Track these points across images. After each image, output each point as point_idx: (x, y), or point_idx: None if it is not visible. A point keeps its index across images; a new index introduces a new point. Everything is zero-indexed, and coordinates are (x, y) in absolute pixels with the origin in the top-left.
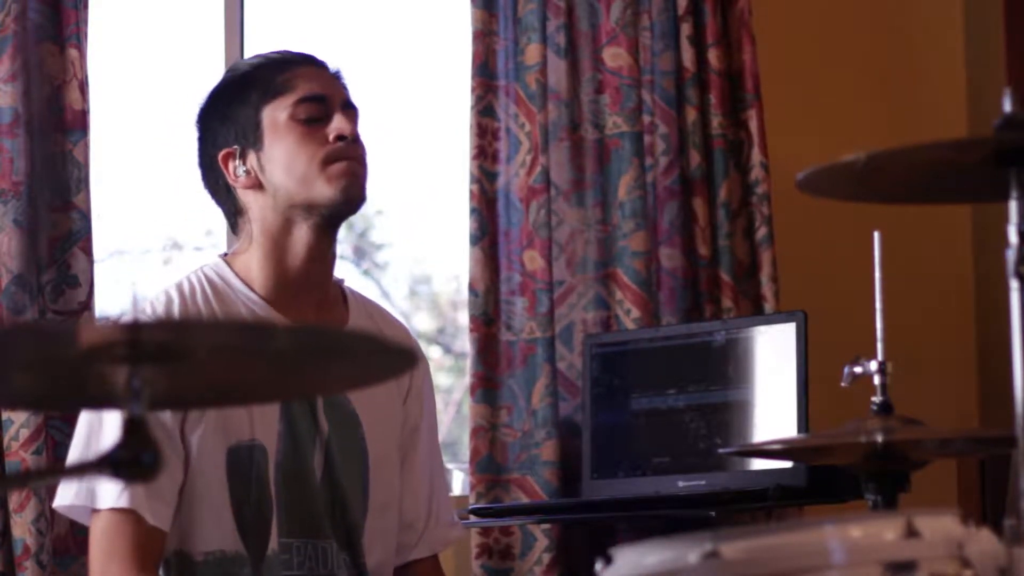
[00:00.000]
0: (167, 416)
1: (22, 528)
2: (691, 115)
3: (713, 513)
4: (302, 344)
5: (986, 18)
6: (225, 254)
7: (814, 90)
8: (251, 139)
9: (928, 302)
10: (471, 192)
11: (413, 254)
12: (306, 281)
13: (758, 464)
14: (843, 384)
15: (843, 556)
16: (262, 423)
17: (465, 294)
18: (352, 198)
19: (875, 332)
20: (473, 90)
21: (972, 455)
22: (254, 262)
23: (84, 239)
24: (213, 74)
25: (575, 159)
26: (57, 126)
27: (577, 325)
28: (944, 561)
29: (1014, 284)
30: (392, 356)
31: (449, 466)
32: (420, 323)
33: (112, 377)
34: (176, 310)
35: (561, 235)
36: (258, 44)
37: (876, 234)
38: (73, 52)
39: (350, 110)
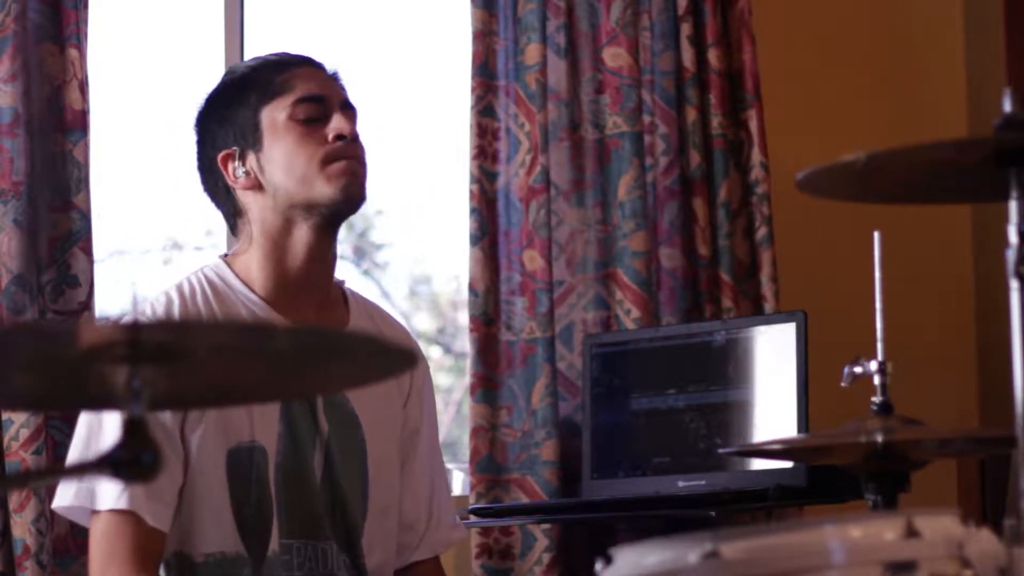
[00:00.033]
0: (167, 417)
1: (22, 528)
2: (691, 115)
3: (713, 513)
4: (302, 344)
5: (986, 18)
6: (225, 255)
7: (814, 90)
8: (250, 140)
9: (928, 302)
10: (471, 192)
11: (413, 254)
12: (306, 282)
13: (758, 464)
14: (843, 384)
15: (843, 556)
16: (262, 424)
17: (465, 294)
18: (352, 197)
19: (875, 332)
20: (473, 90)
21: (972, 455)
22: (254, 263)
23: (84, 239)
24: (213, 75)
25: (575, 159)
26: (57, 126)
27: (577, 325)
28: (944, 561)
29: (1014, 284)
30: (392, 357)
31: (449, 466)
32: (420, 323)
33: (112, 377)
34: (176, 311)
35: (561, 235)
36: (258, 44)
37: (876, 234)
38: (73, 52)
39: (348, 110)
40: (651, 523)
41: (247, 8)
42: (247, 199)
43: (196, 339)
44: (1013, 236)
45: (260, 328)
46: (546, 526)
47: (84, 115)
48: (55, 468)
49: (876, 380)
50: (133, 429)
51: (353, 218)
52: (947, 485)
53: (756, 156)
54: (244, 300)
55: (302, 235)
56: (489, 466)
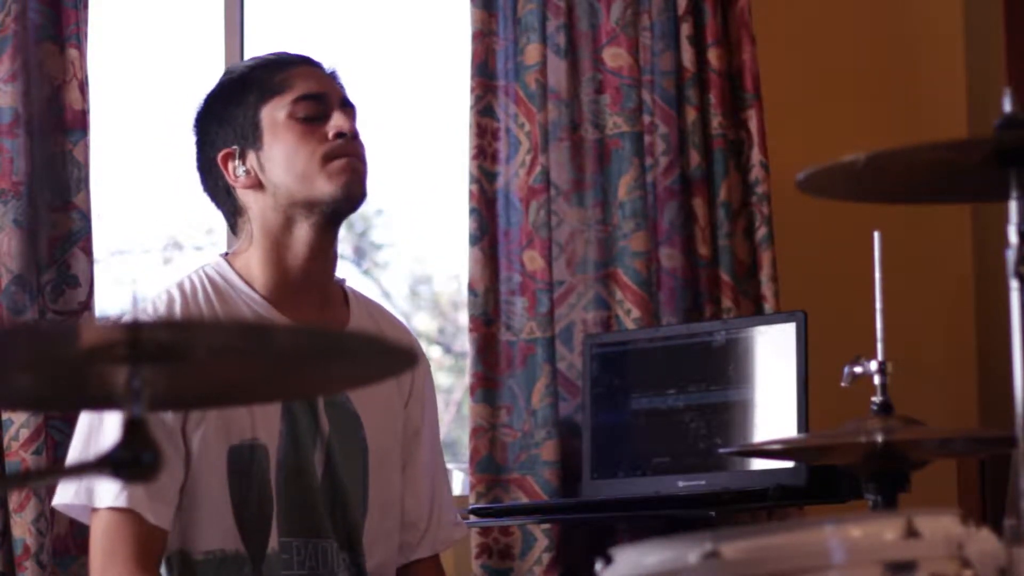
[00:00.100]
0: (168, 415)
1: (22, 528)
2: (691, 115)
3: (713, 513)
4: (302, 344)
5: (986, 18)
6: (226, 253)
7: (814, 90)
8: (250, 139)
9: (928, 302)
10: (471, 192)
11: (413, 254)
12: (307, 280)
13: (758, 464)
14: (843, 384)
15: (843, 556)
16: (263, 422)
17: (465, 294)
18: (353, 195)
19: (875, 332)
20: (473, 90)
21: (972, 455)
22: (255, 261)
23: (84, 239)
24: (213, 75)
25: (575, 159)
26: (57, 126)
27: (577, 325)
28: (944, 561)
29: (1014, 284)
30: (393, 356)
31: (449, 466)
32: (420, 323)
33: (112, 377)
34: (178, 309)
35: (561, 235)
36: (258, 44)
37: (876, 234)
38: (73, 52)
39: (348, 108)
40: (651, 523)
41: (247, 8)
42: (247, 198)
43: (196, 339)
44: (1013, 236)
45: (260, 328)
46: (546, 526)
47: (84, 115)
48: (55, 468)
49: (876, 380)
50: (133, 429)
51: (353, 218)
52: (947, 485)
53: (756, 156)
54: (245, 298)
55: (303, 233)
56: (489, 466)
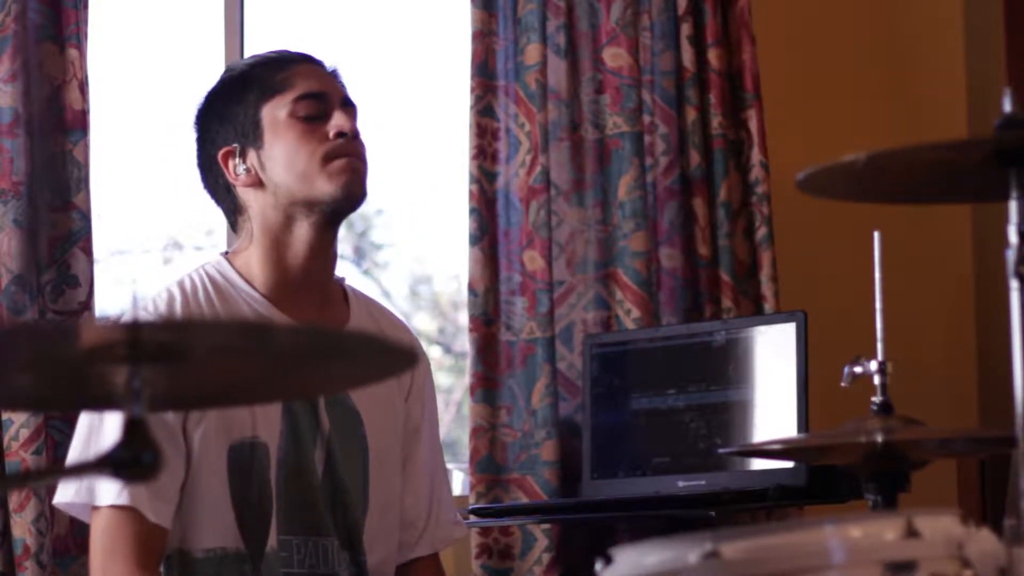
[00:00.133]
0: (169, 414)
1: (22, 528)
2: (691, 115)
3: (713, 513)
4: (303, 344)
5: (986, 18)
6: (226, 252)
7: (814, 90)
8: (251, 137)
9: (928, 302)
10: (471, 192)
11: (413, 254)
12: (307, 279)
13: (758, 464)
14: (843, 384)
15: (843, 556)
16: (264, 420)
17: (465, 294)
18: (353, 194)
19: (875, 332)
20: (473, 90)
21: (972, 455)
22: (255, 260)
23: (84, 239)
24: (213, 74)
25: (575, 159)
26: (57, 126)
27: (577, 325)
28: (944, 561)
29: (1014, 284)
30: (393, 355)
31: (449, 466)
32: (420, 323)
33: (112, 377)
34: (178, 308)
35: (561, 235)
36: (258, 44)
37: (876, 234)
38: (73, 52)
39: (349, 107)
40: (651, 523)
41: (247, 8)
42: (247, 196)
43: (196, 338)
44: (1013, 236)
45: (261, 327)
46: (546, 526)
47: (84, 115)
48: (55, 468)
49: (876, 380)
50: (133, 429)
51: (353, 218)
52: (947, 485)
53: (756, 156)
54: (246, 297)
55: (303, 232)
56: (489, 466)
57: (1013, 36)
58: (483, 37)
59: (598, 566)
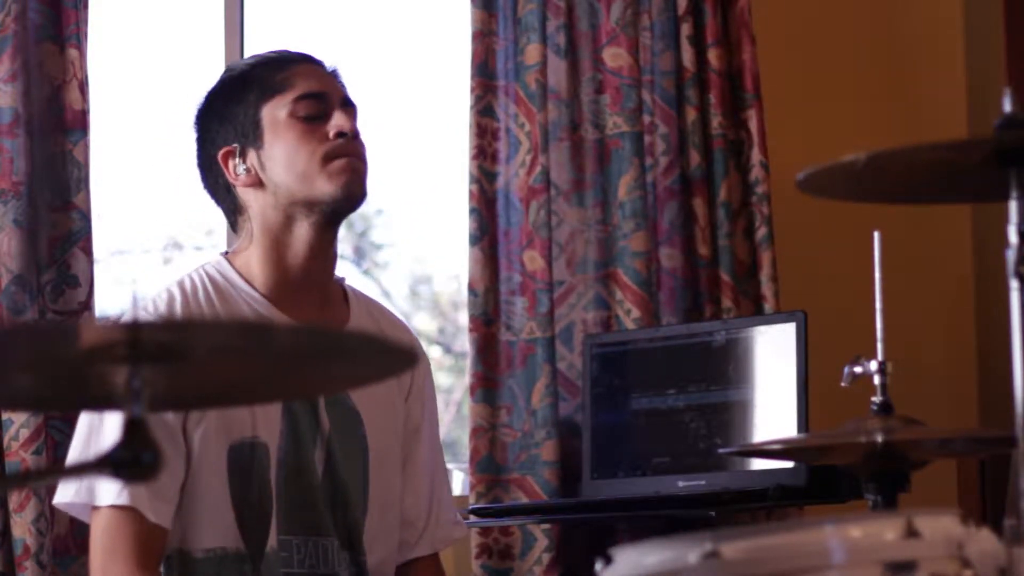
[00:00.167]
0: (169, 414)
1: (22, 528)
2: (691, 115)
3: (713, 513)
4: (303, 344)
5: (986, 18)
6: (226, 252)
7: (814, 90)
8: (251, 137)
9: (928, 302)
10: (471, 192)
11: (413, 254)
12: (307, 279)
13: (758, 464)
14: (843, 384)
15: (843, 556)
16: (264, 420)
17: (465, 294)
18: (353, 195)
19: (875, 332)
20: (473, 90)
21: (972, 455)
22: (255, 260)
23: (84, 239)
24: (213, 74)
25: (575, 159)
26: (57, 126)
27: (577, 325)
28: (944, 561)
29: (1014, 284)
30: (393, 355)
31: (449, 466)
32: (420, 323)
33: (112, 377)
34: (178, 308)
35: (561, 235)
36: (258, 44)
37: (876, 234)
38: (73, 52)
39: (349, 107)
40: (651, 523)
41: (247, 8)
42: (247, 196)
43: (196, 338)
44: (1013, 236)
45: (261, 327)
46: (546, 526)
47: (84, 115)
48: (55, 468)
49: (876, 380)
50: (133, 429)
51: (353, 218)
52: (947, 485)
53: (756, 156)
54: (246, 297)
55: (303, 232)
56: (489, 466)
57: (1013, 36)
58: (483, 37)
59: (598, 566)
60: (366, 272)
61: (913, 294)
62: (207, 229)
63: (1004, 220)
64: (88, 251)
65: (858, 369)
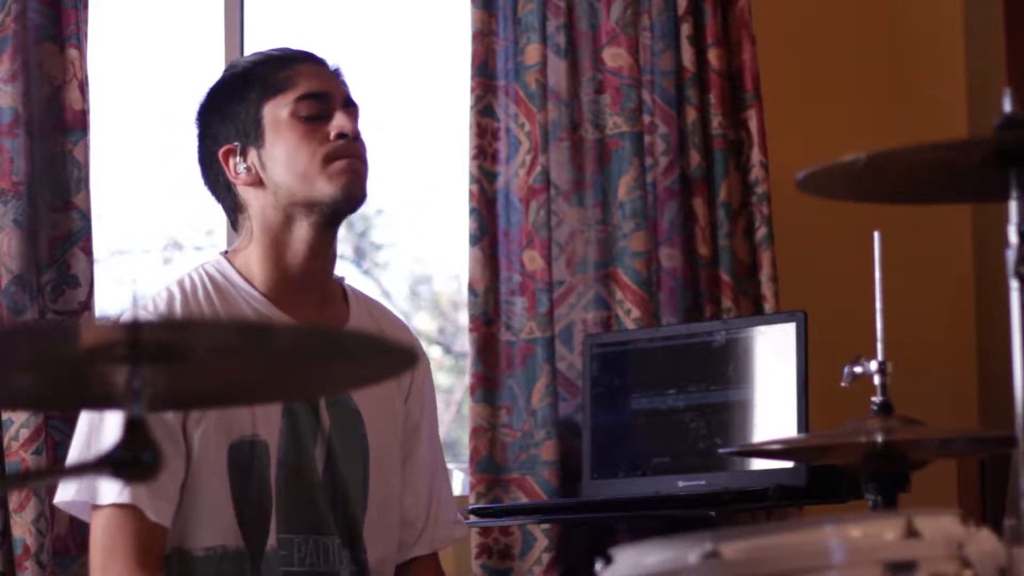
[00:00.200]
0: (169, 413)
1: (22, 528)
2: (691, 115)
3: (713, 513)
4: (303, 344)
5: (986, 18)
6: (226, 251)
7: (814, 90)
8: (252, 136)
9: (928, 302)
10: (471, 192)
11: (413, 254)
12: (307, 278)
13: (758, 464)
14: (843, 384)
15: (843, 556)
16: (264, 419)
17: (465, 294)
18: (353, 196)
19: (875, 332)
20: (473, 90)
21: (972, 455)
22: (254, 259)
23: (84, 239)
24: (213, 74)
25: (575, 159)
26: (57, 126)
27: (577, 325)
28: (944, 561)
29: (1014, 284)
30: (393, 355)
31: (449, 466)
32: (420, 323)
33: (112, 377)
34: (178, 307)
35: (561, 235)
36: (258, 44)
37: (876, 234)
38: (73, 52)
39: (351, 107)
40: (651, 523)
41: (247, 8)
42: (248, 195)
43: (196, 338)
44: (1013, 236)
45: (260, 327)
46: (546, 526)
47: (84, 115)
48: (55, 468)
49: (876, 380)
50: (133, 429)
51: (353, 218)
52: (947, 485)
53: (756, 156)
54: (245, 296)
55: (302, 232)
56: (489, 466)
57: (1013, 36)
58: (483, 37)
59: (598, 566)
60: (366, 272)
61: (913, 294)
62: (207, 229)
63: (1004, 220)
64: (88, 251)
65: (858, 369)
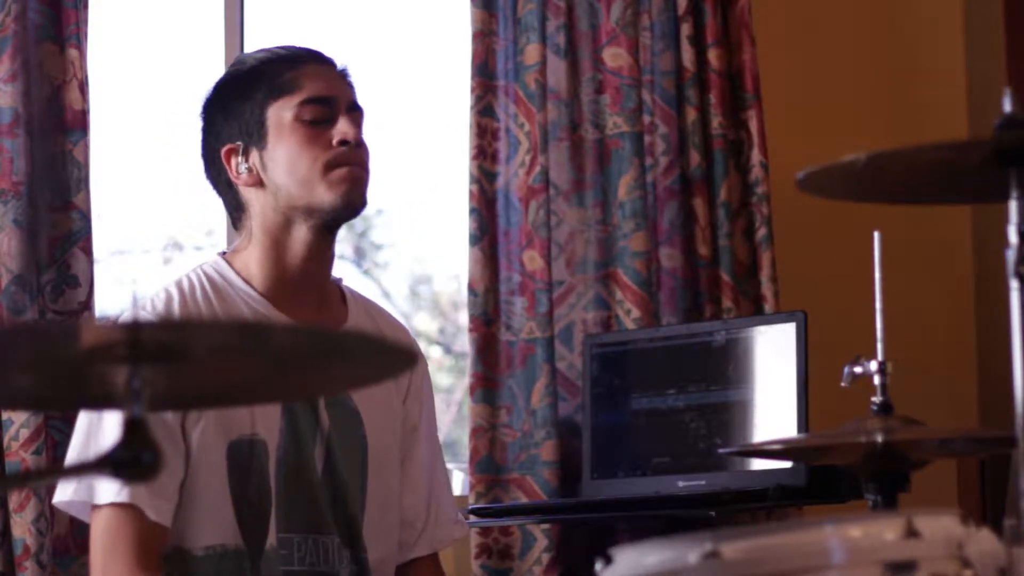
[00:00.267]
0: (168, 412)
1: (22, 528)
2: (691, 115)
3: (713, 513)
4: (302, 344)
5: (986, 18)
6: (224, 252)
7: (814, 90)
8: (255, 137)
9: (928, 302)
10: (471, 192)
11: (413, 254)
12: (305, 279)
13: (758, 464)
14: (843, 384)
15: (843, 556)
16: (263, 418)
17: (465, 294)
18: (353, 203)
19: (875, 332)
20: (473, 90)
21: (972, 455)
22: (253, 259)
23: (84, 239)
24: (213, 74)
25: (575, 159)
26: (57, 126)
27: (577, 325)
28: (944, 561)
29: (1014, 284)
30: (392, 356)
31: (449, 466)
32: (420, 323)
33: (112, 377)
34: (176, 307)
35: (561, 235)
36: (258, 44)
37: (876, 234)
38: (73, 52)
39: (355, 112)
40: (651, 523)
41: (247, 8)
42: (248, 195)
43: (196, 338)
44: (1013, 236)
45: (260, 327)
46: (546, 526)
47: (84, 115)
48: (55, 468)
49: (876, 380)
50: (133, 429)
51: None
52: (947, 485)
53: (756, 156)
54: (244, 297)
55: (301, 235)
56: (489, 466)
57: (1013, 36)
58: (483, 37)
59: (598, 566)
60: (366, 272)
61: (913, 294)
62: (207, 229)
63: (1004, 220)
64: (88, 251)
65: (858, 369)
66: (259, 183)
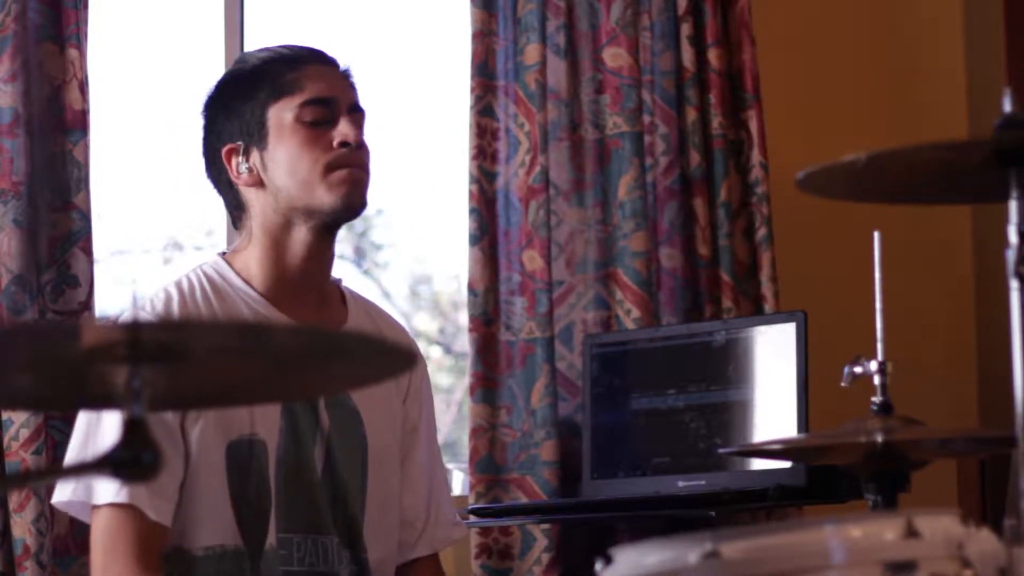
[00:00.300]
0: (167, 412)
1: (22, 528)
2: (691, 115)
3: (713, 513)
4: (302, 344)
5: (986, 18)
6: (224, 252)
7: (814, 90)
8: (255, 137)
9: (928, 302)
10: (471, 192)
11: (413, 254)
12: (305, 279)
13: (758, 464)
14: (843, 384)
15: (843, 556)
16: (263, 418)
17: (465, 294)
18: (353, 205)
19: (875, 332)
20: (472, 90)
21: (972, 455)
22: (253, 260)
23: (84, 239)
24: (213, 74)
25: (575, 159)
26: (57, 126)
27: (577, 325)
28: (944, 561)
29: (1014, 284)
30: (391, 356)
31: (449, 466)
32: (420, 323)
33: (112, 377)
34: (176, 308)
35: (561, 235)
36: (258, 44)
37: (876, 234)
38: (73, 52)
39: (356, 113)
40: (651, 523)
41: (247, 8)
42: (249, 195)
43: (196, 338)
44: (1013, 236)
45: (260, 328)
46: (545, 526)
47: (84, 115)
48: (55, 468)
49: (876, 380)
50: (133, 429)
51: None
52: (947, 485)
53: (756, 156)
54: (244, 297)
55: (301, 235)
56: (489, 466)
57: (1013, 36)
58: (483, 37)
59: (598, 566)
60: (366, 272)
61: (913, 294)
62: (207, 229)
63: (1004, 220)
64: (88, 251)
65: (858, 369)
66: (259, 183)
